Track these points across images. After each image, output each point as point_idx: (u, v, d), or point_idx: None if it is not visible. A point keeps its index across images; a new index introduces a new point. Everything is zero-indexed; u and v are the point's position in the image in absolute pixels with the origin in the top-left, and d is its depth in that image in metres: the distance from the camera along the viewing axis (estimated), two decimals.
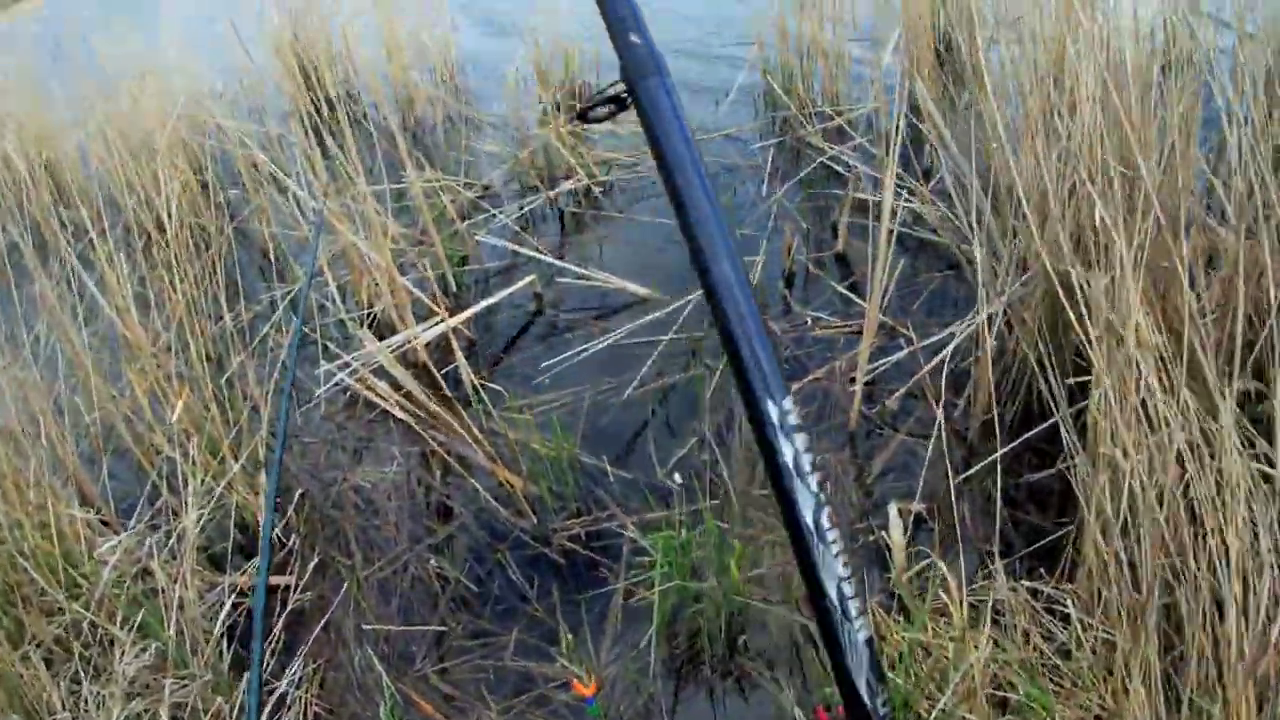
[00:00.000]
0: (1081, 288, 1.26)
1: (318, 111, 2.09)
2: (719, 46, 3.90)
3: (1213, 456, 0.99)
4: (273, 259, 2.56)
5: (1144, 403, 1.11)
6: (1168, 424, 1.05)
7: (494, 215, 2.68)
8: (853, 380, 1.86)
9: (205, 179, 2.96)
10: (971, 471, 1.63)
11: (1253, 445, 1.07)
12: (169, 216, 1.79)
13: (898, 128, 1.60)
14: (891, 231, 1.65)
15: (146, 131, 2.61)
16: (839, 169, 2.67)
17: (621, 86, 0.73)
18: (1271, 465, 1.02)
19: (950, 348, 1.82)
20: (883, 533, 1.59)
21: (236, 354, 1.85)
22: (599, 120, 0.76)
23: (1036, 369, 1.50)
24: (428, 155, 3.09)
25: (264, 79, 3.33)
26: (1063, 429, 1.34)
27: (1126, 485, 1.11)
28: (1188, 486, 1.05)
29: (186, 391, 1.55)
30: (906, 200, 2.35)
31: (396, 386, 1.89)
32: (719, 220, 0.65)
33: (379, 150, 2.36)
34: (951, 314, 1.99)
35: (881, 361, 1.93)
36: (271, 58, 3.41)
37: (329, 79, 3.54)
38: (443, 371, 2.04)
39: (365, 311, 2.24)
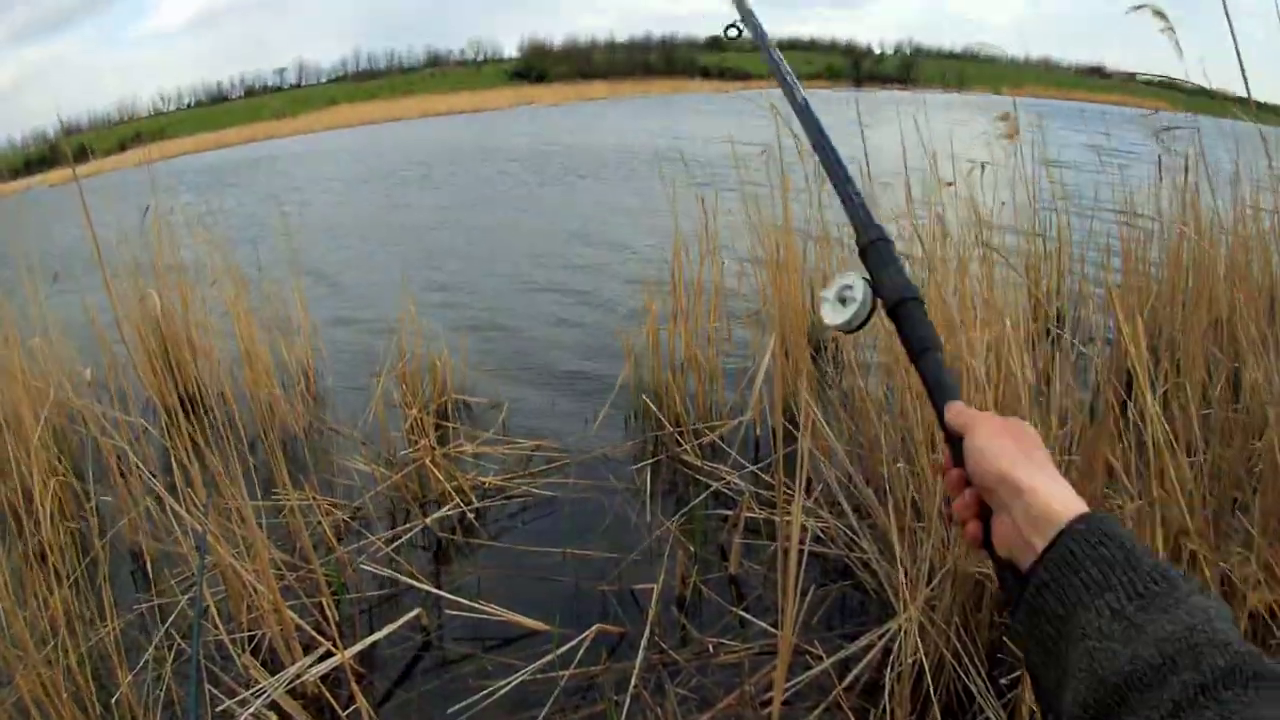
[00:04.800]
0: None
1: (185, 412, 2.15)
2: (591, 363, 4.29)
3: None
4: (148, 570, 2.44)
5: None
6: None
7: (369, 540, 2.67)
8: (764, 704, 1.93)
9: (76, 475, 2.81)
10: None
11: None
12: (45, 518, 1.71)
13: (802, 459, 1.87)
14: (802, 553, 1.84)
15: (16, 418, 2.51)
16: (720, 487, 2.91)
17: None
18: None
19: (865, 661, 1.97)
20: None
21: (115, 668, 1.70)
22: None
23: (955, 668, 1.68)
24: (295, 471, 3.07)
25: (129, 370, 3.32)
26: None
27: None
28: None
29: None
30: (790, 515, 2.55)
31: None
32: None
33: (249, 463, 2.35)
34: (853, 624, 2.16)
35: (794, 682, 2.01)
36: (137, 350, 3.42)
37: (191, 382, 3.55)
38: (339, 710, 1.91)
39: (246, 634, 2.09)
